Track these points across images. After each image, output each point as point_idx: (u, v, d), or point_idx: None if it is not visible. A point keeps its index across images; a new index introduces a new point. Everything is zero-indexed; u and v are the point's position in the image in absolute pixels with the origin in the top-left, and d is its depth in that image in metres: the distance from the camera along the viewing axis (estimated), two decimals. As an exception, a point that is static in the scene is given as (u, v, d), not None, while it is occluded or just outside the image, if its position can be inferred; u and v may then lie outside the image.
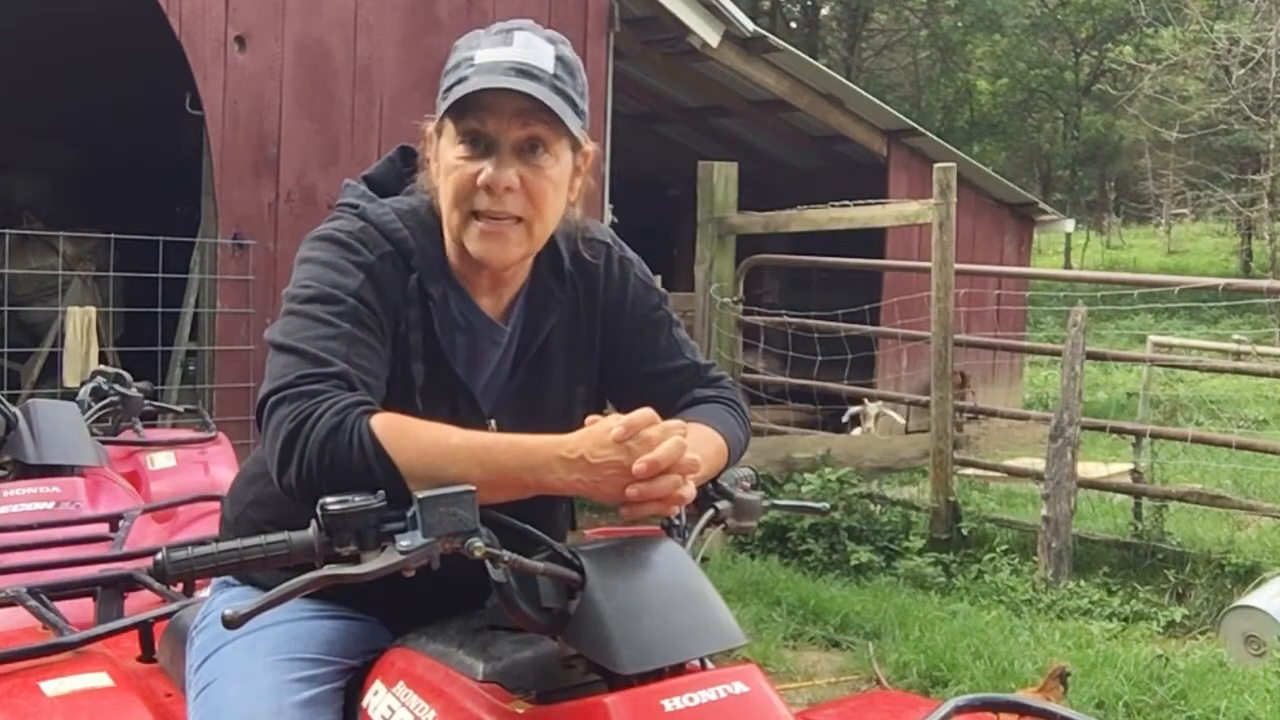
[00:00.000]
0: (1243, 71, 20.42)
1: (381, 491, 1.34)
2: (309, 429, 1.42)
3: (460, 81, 1.58)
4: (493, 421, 1.66)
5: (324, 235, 1.63)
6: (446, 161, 1.61)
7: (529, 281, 1.73)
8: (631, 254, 1.83)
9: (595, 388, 1.78)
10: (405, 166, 1.76)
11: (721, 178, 7.54)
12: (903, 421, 9.09)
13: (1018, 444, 10.07)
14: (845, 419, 8.78)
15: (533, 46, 1.59)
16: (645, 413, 1.43)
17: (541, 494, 1.43)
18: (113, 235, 6.92)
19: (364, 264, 1.59)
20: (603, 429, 1.41)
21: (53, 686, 1.86)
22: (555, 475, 1.40)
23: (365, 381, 1.51)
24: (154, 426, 4.71)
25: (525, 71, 1.56)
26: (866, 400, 8.72)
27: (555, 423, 1.68)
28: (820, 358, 7.72)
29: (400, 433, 1.42)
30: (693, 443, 1.50)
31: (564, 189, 1.65)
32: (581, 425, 1.72)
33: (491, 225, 1.59)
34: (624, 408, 1.80)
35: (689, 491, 1.46)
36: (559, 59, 1.60)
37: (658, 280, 1.91)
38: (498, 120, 1.57)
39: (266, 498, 1.71)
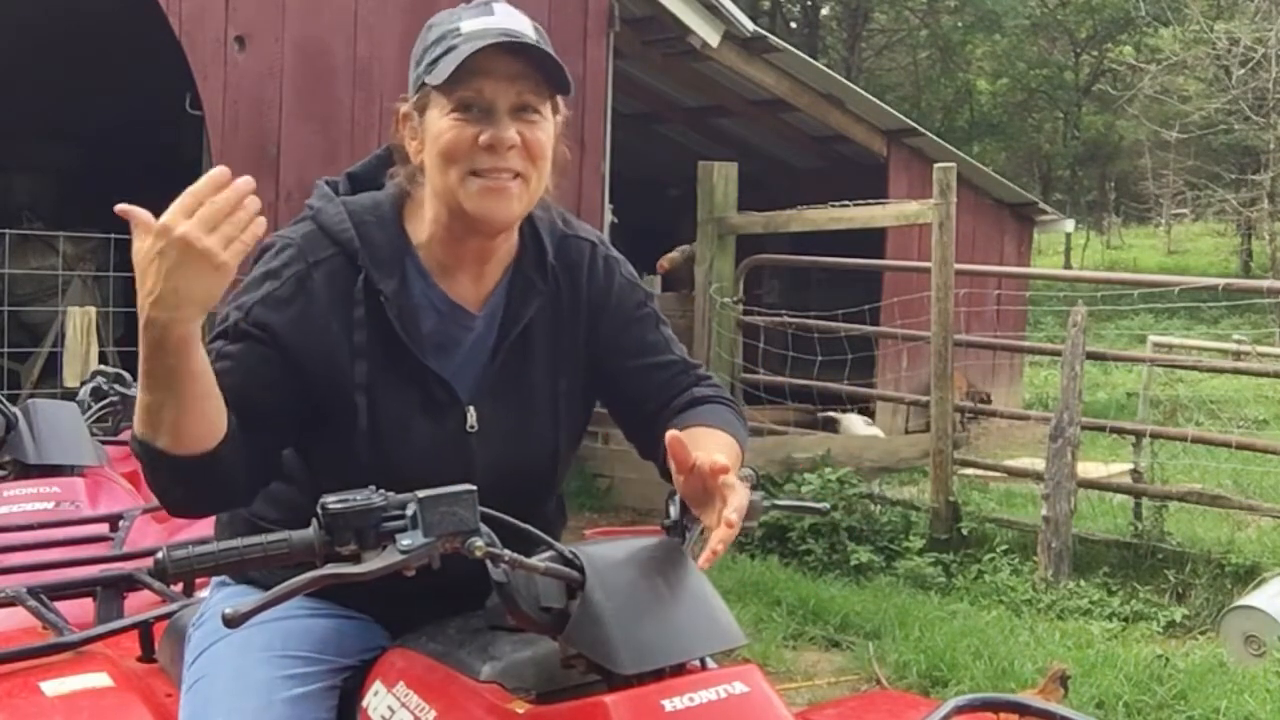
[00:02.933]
0: (1243, 71, 20.43)
1: (383, 490, 1.34)
2: None
3: (449, 51, 1.59)
4: (472, 408, 1.67)
5: (264, 244, 1.65)
6: (437, 128, 1.62)
7: (511, 270, 1.73)
8: (616, 253, 1.84)
9: (579, 384, 1.78)
10: (390, 162, 1.76)
11: (721, 178, 7.54)
12: (871, 430, 9.10)
13: (1018, 444, 10.08)
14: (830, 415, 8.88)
15: (513, 15, 1.63)
16: (166, 213, 1.35)
17: (187, 347, 1.40)
18: (113, 235, 6.92)
19: (293, 276, 1.61)
20: (136, 264, 1.37)
21: (53, 686, 1.86)
22: (154, 319, 1.36)
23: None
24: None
25: (514, 35, 1.59)
26: (842, 406, 8.76)
27: (538, 413, 1.69)
28: (820, 358, 7.71)
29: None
30: (717, 448, 1.54)
31: (552, 147, 1.67)
32: (564, 420, 1.73)
33: (493, 181, 1.60)
34: (616, 403, 1.81)
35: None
36: (535, 28, 1.64)
37: (656, 282, 1.93)
38: (494, 84, 1.59)
39: (259, 496, 1.72)
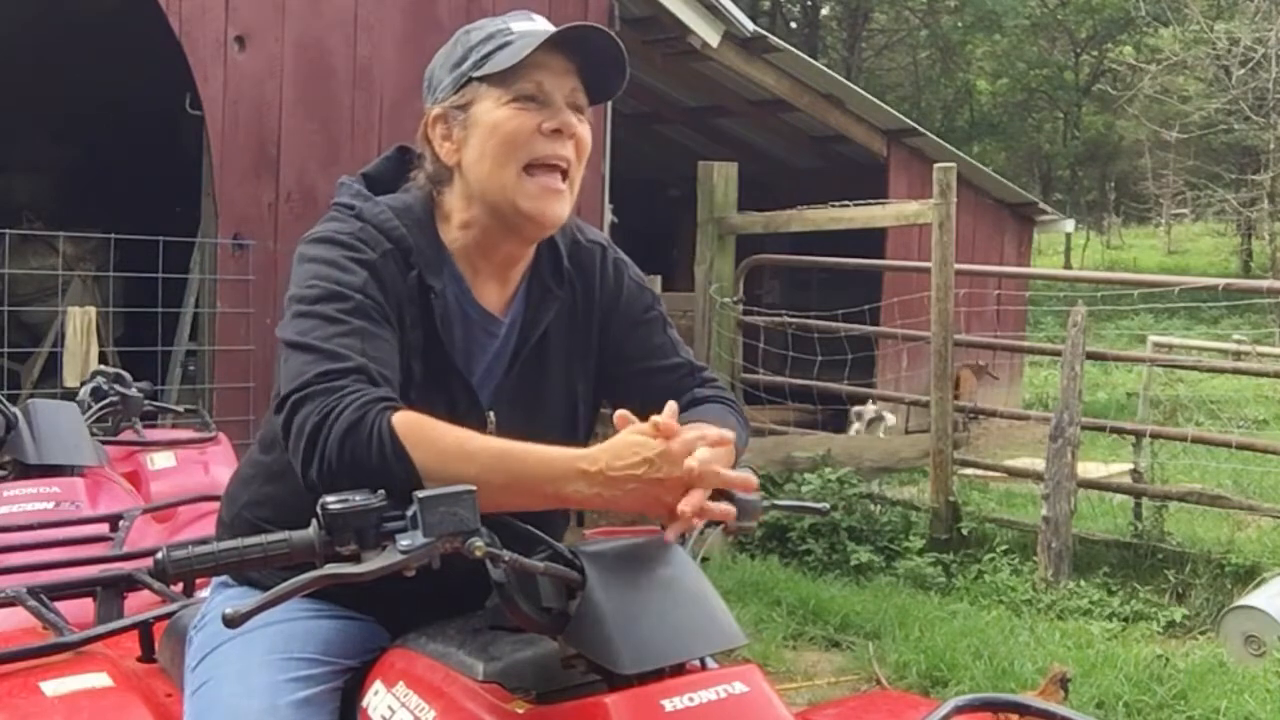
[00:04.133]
0: (1243, 71, 20.43)
1: (382, 491, 1.34)
2: (330, 425, 1.43)
3: (504, 47, 1.61)
4: (491, 414, 1.67)
5: (323, 237, 1.63)
6: (494, 118, 1.62)
7: (528, 276, 1.74)
8: (624, 256, 1.85)
9: (593, 387, 1.79)
10: (403, 165, 1.76)
11: (721, 178, 7.54)
12: (896, 422, 9.11)
13: (1018, 444, 10.07)
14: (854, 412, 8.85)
15: (549, 26, 1.65)
16: (681, 440, 1.42)
17: (559, 506, 1.44)
18: (113, 235, 6.92)
19: (366, 261, 1.59)
20: (624, 443, 1.41)
21: (53, 686, 1.86)
22: (574, 487, 1.40)
23: (384, 375, 1.51)
24: (154, 426, 4.71)
25: (586, 32, 1.62)
26: (872, 401, 8.76)
27: (555, 420, 1.69)
28: (820, 358, 7.71)
29: (421, 432, 1.42)
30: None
31: None
32: (582, 424, 1.73)
33: (550, 184, 1.62)
34: (621, 406, 1.82)
35: (728, 507, 1.47)
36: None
37: (657, 281, 1.94)
38: (553, 78, 1.62)
39: (261, 498, 1.72)
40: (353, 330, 1.52)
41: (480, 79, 1.63)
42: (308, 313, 1.54)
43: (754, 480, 1.46)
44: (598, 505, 1.41)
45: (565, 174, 1.64)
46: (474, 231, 1.67)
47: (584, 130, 1.65)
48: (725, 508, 1.45)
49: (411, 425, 1.43)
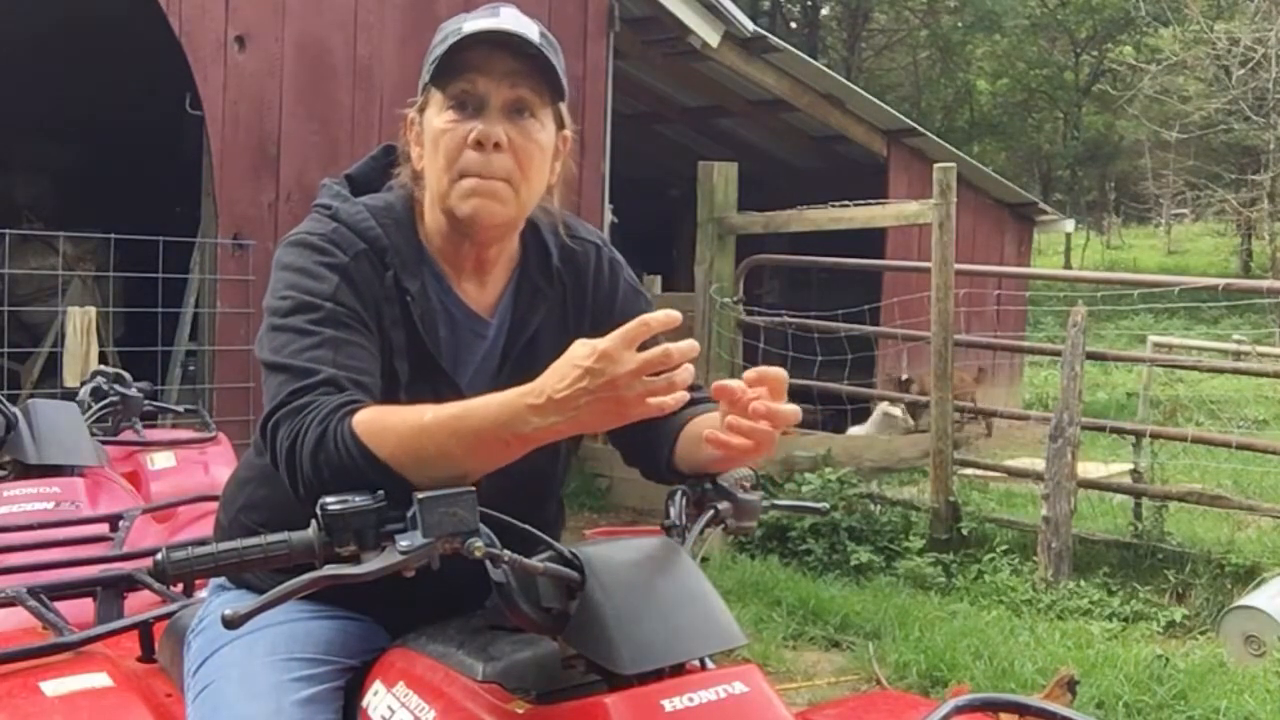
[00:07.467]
0: (1243, 71, 20.45)
1: (381, 491, 1.34)
2: (300, 445, 1.43)
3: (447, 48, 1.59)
4: None
5: (296, 241, 1.63)
6: (434, 129, 1.61)
7: (516, 275, 1.72)
8: (619, 257, 1.83)
9: None
10: (387, 164, 1.76)
11: (721, 178, 7.54)
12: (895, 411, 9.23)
13: (1018, 444, 10.08)
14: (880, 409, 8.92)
15: (519, 19, 1.61)
16: (610, 339, 1.32)
17: (532, 448, 1.39)
18: (113, 235, 6.92)
19: (338, 265, 1.58)
20: (560, 363, 1.34)
21: (53, 686, 1.86)
22: (531, 425, 1.35)
23: (356, 380, 1.50)
24: (154, 426, 4.71)
25: (515, 35, 1.58)
26: (889, 404, 8.82)
27: None
28: (820, 358, 7.71)
29: (379, 425, 1.41)
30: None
31: (549, 158, 1.65)
32: None
33: (480, 183, 1.58)
34: None
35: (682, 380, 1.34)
36: (543, 34, 1.62)
37: (657, 281, 1.91)
38: (487, 79, 1.58)
39: (258, 501, 1.72)
40: (323, 341, 1.51)
41: (430, 83, 1.62)
42: (281, 326, 1.54)
43: (677, 316, 1.34)
44: (563, 431, 1.36)
45: (503, 179, 1.59)
46: (440, 234, 1.67)
47: (525, 139, 1.59)
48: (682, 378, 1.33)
49: (369, 421, 1.41)
